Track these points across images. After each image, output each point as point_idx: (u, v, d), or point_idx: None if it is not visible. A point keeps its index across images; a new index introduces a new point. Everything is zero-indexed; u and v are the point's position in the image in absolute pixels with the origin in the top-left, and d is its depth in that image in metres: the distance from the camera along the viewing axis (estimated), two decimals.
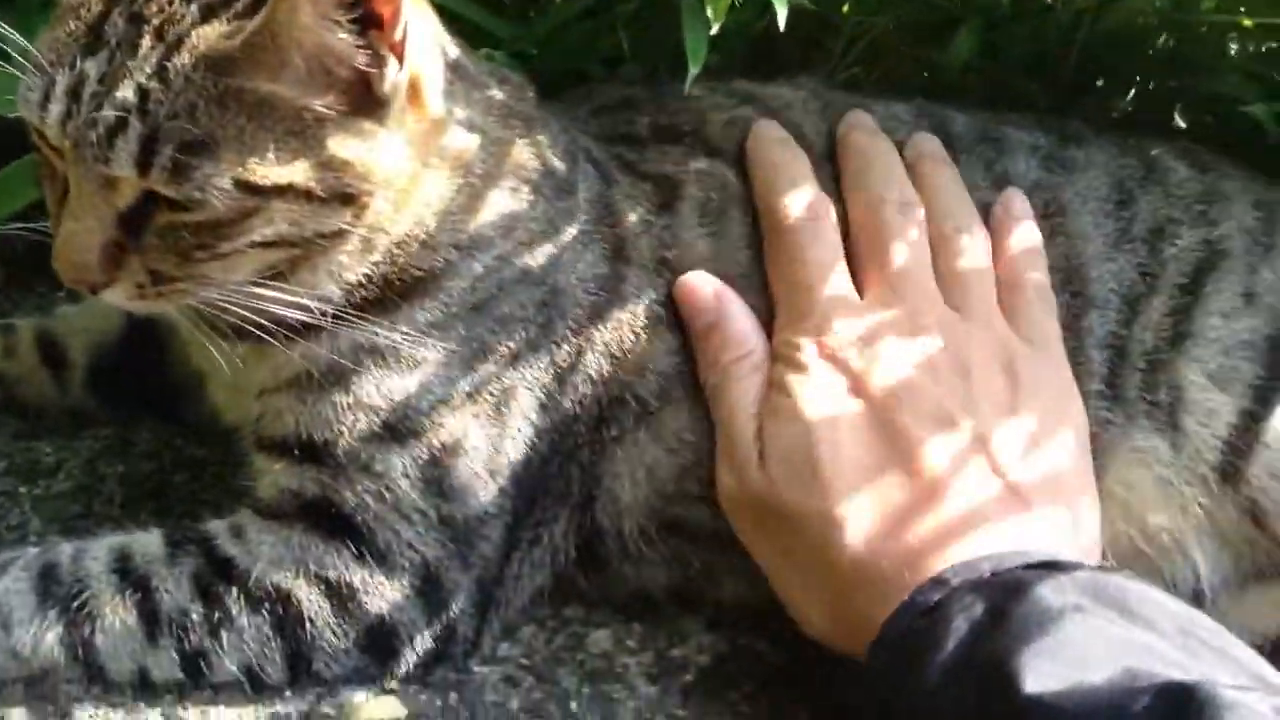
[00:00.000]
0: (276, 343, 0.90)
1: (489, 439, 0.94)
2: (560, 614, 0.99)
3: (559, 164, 0.97)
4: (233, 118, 0.83)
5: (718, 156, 1.02)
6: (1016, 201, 1.01)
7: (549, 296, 0.95)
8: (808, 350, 0.93)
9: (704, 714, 0.93)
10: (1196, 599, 0.97)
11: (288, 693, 0.91)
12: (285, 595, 0.90)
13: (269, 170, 0.84)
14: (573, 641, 0.97)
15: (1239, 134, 1.15)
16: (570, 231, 0.96)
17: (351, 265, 0.91)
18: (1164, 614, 0.78)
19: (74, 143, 0.83)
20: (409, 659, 0.93)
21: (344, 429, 0.92)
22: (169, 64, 0.82)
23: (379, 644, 0.92)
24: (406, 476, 0.92)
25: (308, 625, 0.90)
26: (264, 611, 0.90)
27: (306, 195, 0.85)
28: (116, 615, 0.89)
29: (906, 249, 0.96)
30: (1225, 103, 1.14)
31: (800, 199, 0.97)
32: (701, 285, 0.96)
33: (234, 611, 0.90)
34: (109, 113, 0.82)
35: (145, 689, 0.90)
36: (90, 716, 0.89)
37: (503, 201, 0.95)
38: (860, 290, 0.96)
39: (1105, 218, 1.02)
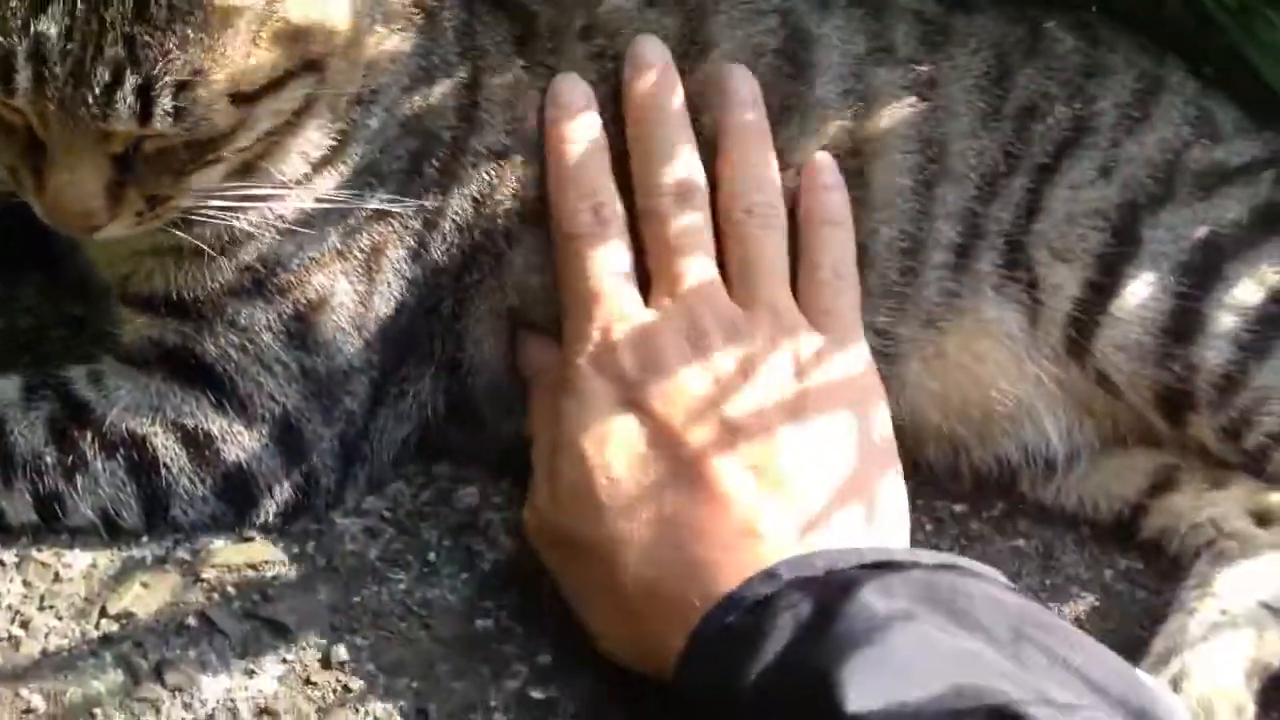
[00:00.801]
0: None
1: (357, 295, 0.93)
2: (429, 470, 0.99)
3: None
4: (215, 37, 0.80)
5: None
6: (825, 171, 0.96)
7: (421, 143, 0.94)
8: (583, 370, 0.89)
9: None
10: (1049, 466, 0.98)
11: (144, 537, 0.92)
12: (141, 440, 0.90)
13: (254, 75, 0.82)
14: (439, 497, 0.98)
15: (1140, 11, 1.14)
16: (434, 62, 0.94)
17: (321, 135, 0.90)
18: (997, 616, 0.75)
19: (59, 105, 0.79)
20: (267, 508, 0.93)
21: (214, 286, 0.91)
22: (149, 3, 0.79)
23: (236, 492, 0.92)
24: (269, 330, 0.92)
25: (163, 471, 0.90)
26: (119, 456, 0.90)
27: (285, 78, 0.84)
28: None
29: (684, 251, 0.91)
30: None
31: (585, 201, 0.92)
32: (529, 344, 0.96)
33: (88, 455, 0.90)
34: (101, 69, 0.78)
35: (1, 531, 0.90)
36: None
37: (394, 44, 0.93)
38: (645, 285, 0.92)
39: (979, 94, 1.00)
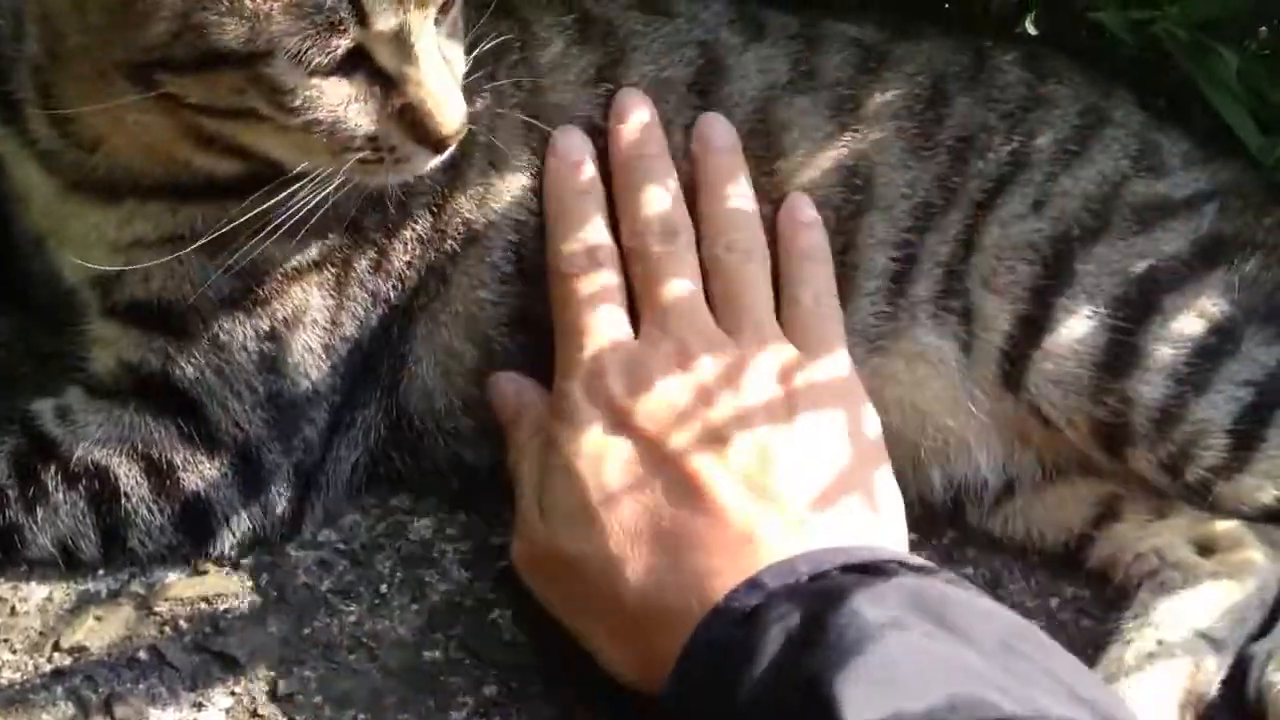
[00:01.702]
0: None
1: (328, 311, 0.95)
2: (386, 503, 1.01)
3: None
4: None
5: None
6: (801, 208, 0.98)
7: None
8: (575, 397, 0.91)
9: (514, 597, 0.94)
10: (980, 496, 0.99)
11: (100, 570, 0.93)
12: (104, 471, 0.92)
13: None
14: (394, 529, 0.99)
15: (1094, 45, 1.15)
16: None
17: None
18: (984, 626, 0.76)
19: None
20: (224, 539, 0.94)
21: (207, 292, 0.92)
22: None
23: (194, 522, 0.93)
24: (245, 350, 0.93)
25: (123, 501, 0.92)
26: (80, 487, 0.92)
27: None
28: None
29: (670, 281, 0.94)
30: (1078, 10, 1.14)
31: (579, 243, 0.95)
32: (506, 383, 0.97)
33: (50, 488, 0.91)
34: None
35: None
36: None
37: None
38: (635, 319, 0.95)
39: (909, 119, 1.01)
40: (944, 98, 1.02)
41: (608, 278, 0.95)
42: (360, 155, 0.86)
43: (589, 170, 0.97)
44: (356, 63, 0.84)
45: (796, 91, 1.00)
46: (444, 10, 0.86)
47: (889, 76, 1.02)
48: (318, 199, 0.86)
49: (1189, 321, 0.96)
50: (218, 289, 0.93)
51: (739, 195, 0.97)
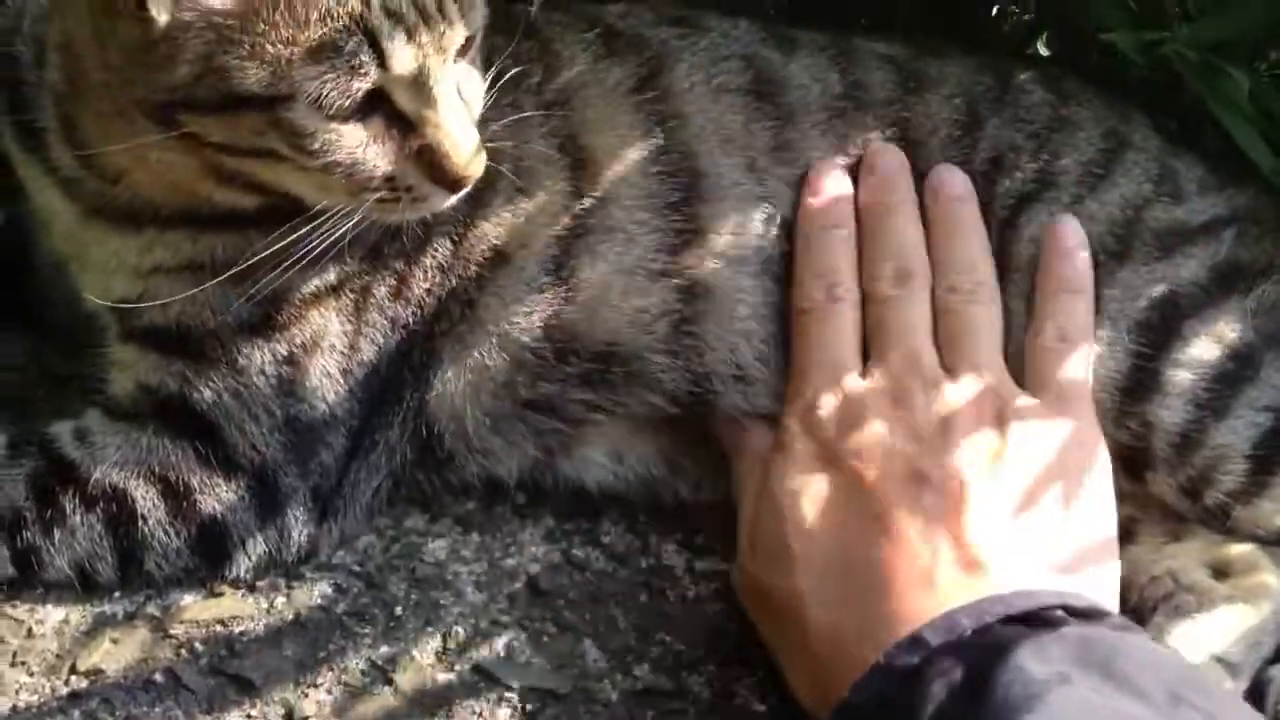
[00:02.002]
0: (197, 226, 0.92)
1: (346, 336, 0.95)
2: (401, 525, 1.01)
3: None
4: None
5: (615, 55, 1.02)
6: (1067, 236, 0.98)
7: None
8: (793, 429, 0.93)
9: (527, 619, 0.95)
10: None
11: (117, 593, 0.93)
12: (121, 494, 0.92)
13: None
14: (408, 551, 0.99)
15: (1106, 66, 1.16)
16: None
17: None
18: (1152, 676, 0.74)
19: (428, 43, 0.83)
20: (240, 562, 0.94)
21: (226, 319, 0.93)
22: None
23: (211, 545, 0.94)
24: (263, 374, 0.94)
25: (140, 524, 0.92)
26: (98, 510, 0.92)
27: None
28: None
29: (897, 324, 0.96)
30: (1090, 32, 1.14)
31: (819, 280, 0.97)
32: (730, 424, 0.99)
33: (68, 510, 0.92)
34: None
35: None
36: None
37: None
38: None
39: (951, 144, 1.02)
40: (977, 120, 1.02)
41: (842, 317, 0.97)
42: (378, 195, 0.87)
43: (840, 210, 0.99)
44: (375, 104, 0.85)
45: (856, 107, 1.02)
46: (463, 52, 0.87)
47: (930, 97, 1.03)
48: (337, 234, 0.87)
49: (1208, 347, 0.96)
50: (236, 315, 0.93)
51: (970, 239, 0.98)
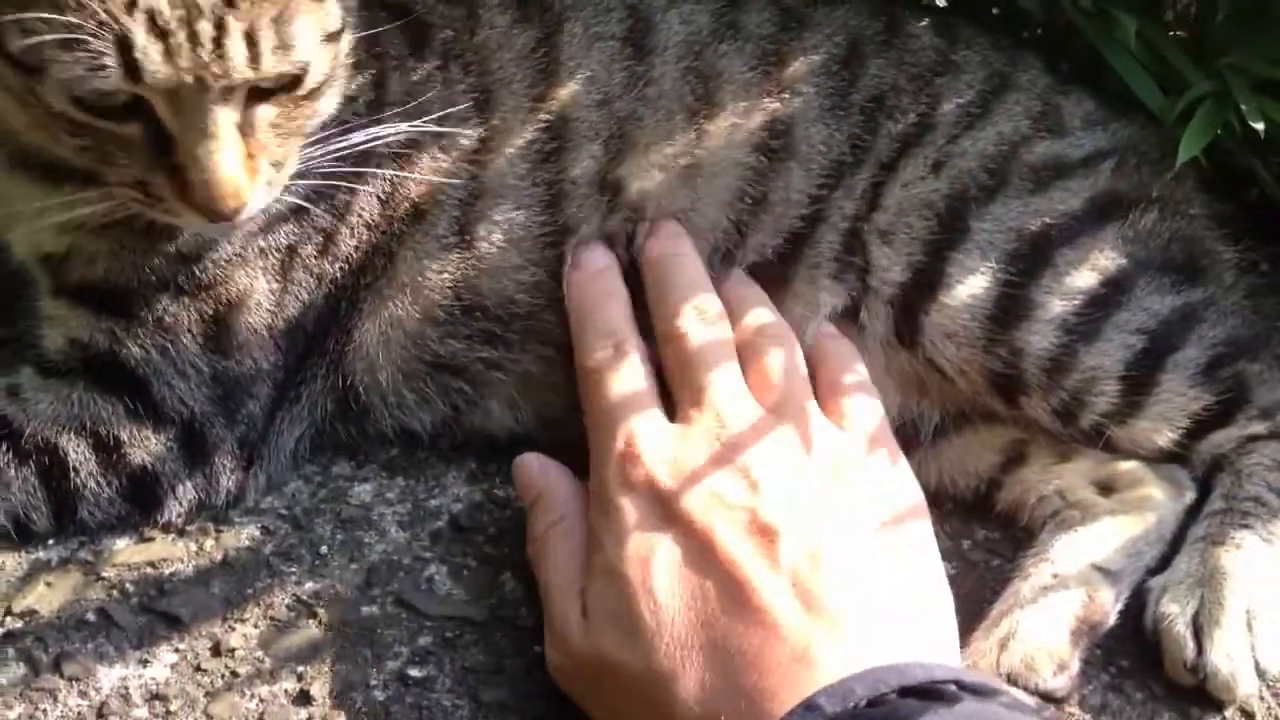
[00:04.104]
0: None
1: (273, 294, 0.99)
2: (328, 471, 1.05)
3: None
4: None
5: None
6: (828, 326, 1.01)
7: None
8: (613, 486, 0.88)
9: (448, 554, 0.99)
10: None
11: (51, 540, 0.97)
12: (53, 448, 0.96)
13: (331, 14, 0.89)
14: (335, 495, 1.03)
15: (1004, 15, 1.20)
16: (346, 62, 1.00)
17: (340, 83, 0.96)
18: None
19: (189, 69, 0.83)
20: (171, 508, 0.98)
21: (151, 277, 0.96)
22: None
23: (142, 493, 0.98)
24: (190, 332, 0.97)
25: (72, 475, 0.96)
26: (31, 463, 0.96)
27: (343, 28, 0.91)
28: None
29: (706, 358, 0.94)
30: None
31: (604, 338, 0.96)
32: (530, 463, 0.97)
33: (2, 464, 0.95)
34: (205, 25, 0.82)
35: None
36: None
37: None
38: (672, 413, 0.93)
39: (826, 78, 1.04)
40: (859, 59, 1.05)
41: (635, 366, 0.94)
42: (132, 194, 0.89)
43: (612, 277, 1.00)
44: (138, 110, 0.85)
45: (720, 41, 1.04)
46: (262, 96, 0.87)
47: (808, 36, 1.06)
48: (105, 207, 0.90)
49: (1081, 275, 0.99)
50: (162, 273, 0.97)
51: (760, 294, 1.00)
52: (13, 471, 0.95)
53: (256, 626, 0.93)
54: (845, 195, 1.02)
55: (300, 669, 0.90)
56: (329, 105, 0.94)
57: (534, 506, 0.95)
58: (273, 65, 0.85)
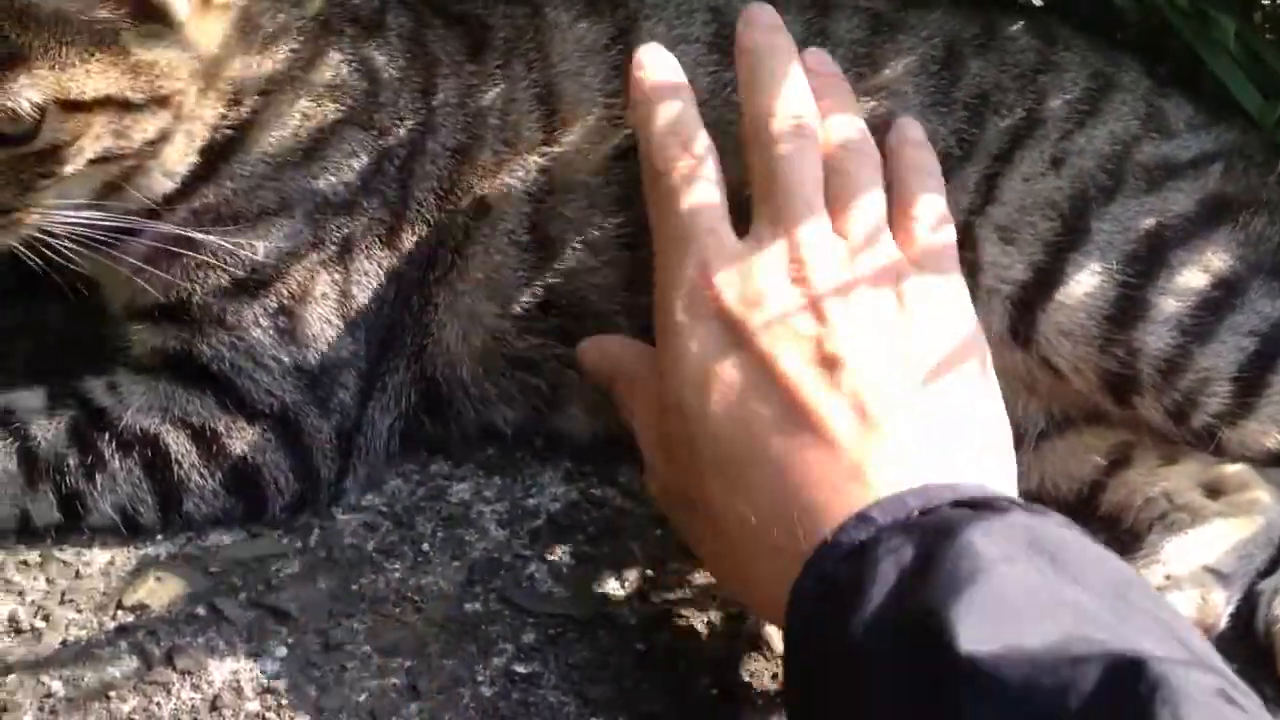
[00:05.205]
0: (116, 248, 0.96)
1: (336, 285, 1.00)
2: (426, 469, 1.05)
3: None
4: (35, 34, 0.88)
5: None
6: (910, 128, 0.98)
7: (376, 137, 1.01)
8: (680, 316, 0.87)
9: (548, 553, 0.99)
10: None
11: (159, 536, 0.98)
12: (154, 438, 0.97)
13: (84, 84, 0.90)
14: (434, 493, 1.04)
15: (1099, 15, 1.19)
16: (384, 65, 1.02)
17: (182, 158, 0.97)
18: (1097, 571, 0.74)
19: None
20: (275, 502, 0.99)
21: (196, 287, 0.98)
22: None
23: (244, 486, 0.99)
24: (258, 325, 0.99)
25: (174, 467, 0.97)
26: (134, 454, 0.97)
27: (125, 105, 0.92)
28: None
29: (791, 176, 0.89)
30: None
31: (676, 140, 0.91)
32: (588, 349, 0.98)
33: (106, 455, 0.97)
34: None
35: (27, 532, 0.97)
36: None
37: (304, 45, 1.00)
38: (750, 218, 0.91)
39: (926, 78, 1.04)
40: (958, 60, 1.05)
41: (708, 176, 0.89)
42: None
43: (677, 71, 0.93)
44: None
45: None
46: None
47: (902, 39, 1.06)
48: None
49: (1194, 276, 0.99)
50: (209, 281, 0.98)
51: (852, 104, 0.96)
52: (117, 463, 0.97)
53: (364, 621, 0.93)
54: (958, 188, 1.02)
55: (408, 664, 0.91)
56: (108, 171, 0.94)
57: (612, 380, 0.95)
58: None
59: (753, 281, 0.86)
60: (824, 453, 0.80)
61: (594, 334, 1.01)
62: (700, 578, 0.97)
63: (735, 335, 0.85)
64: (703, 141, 0.91)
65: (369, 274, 1.01)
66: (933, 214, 0.92)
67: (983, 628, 0.68)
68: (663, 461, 0.89)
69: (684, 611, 0.96)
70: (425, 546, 0.99)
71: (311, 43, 1.01)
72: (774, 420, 0.82)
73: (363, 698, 0.89)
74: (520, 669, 0.91)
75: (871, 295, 0.86)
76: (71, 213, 0.94)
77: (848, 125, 0.94)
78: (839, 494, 0.78)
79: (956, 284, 0.90)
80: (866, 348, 0.84)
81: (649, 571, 0.98)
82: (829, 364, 0.83)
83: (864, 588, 0.73)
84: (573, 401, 1.05)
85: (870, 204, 0.90)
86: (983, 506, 0.75)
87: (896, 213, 0.92)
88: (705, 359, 0.85)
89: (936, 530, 0.74)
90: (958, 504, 0.75)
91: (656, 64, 0.95)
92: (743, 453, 0.82)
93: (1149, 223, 1.00)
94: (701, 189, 0.89)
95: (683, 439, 0.85)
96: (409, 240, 1.01)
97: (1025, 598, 0.70)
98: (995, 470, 0.84)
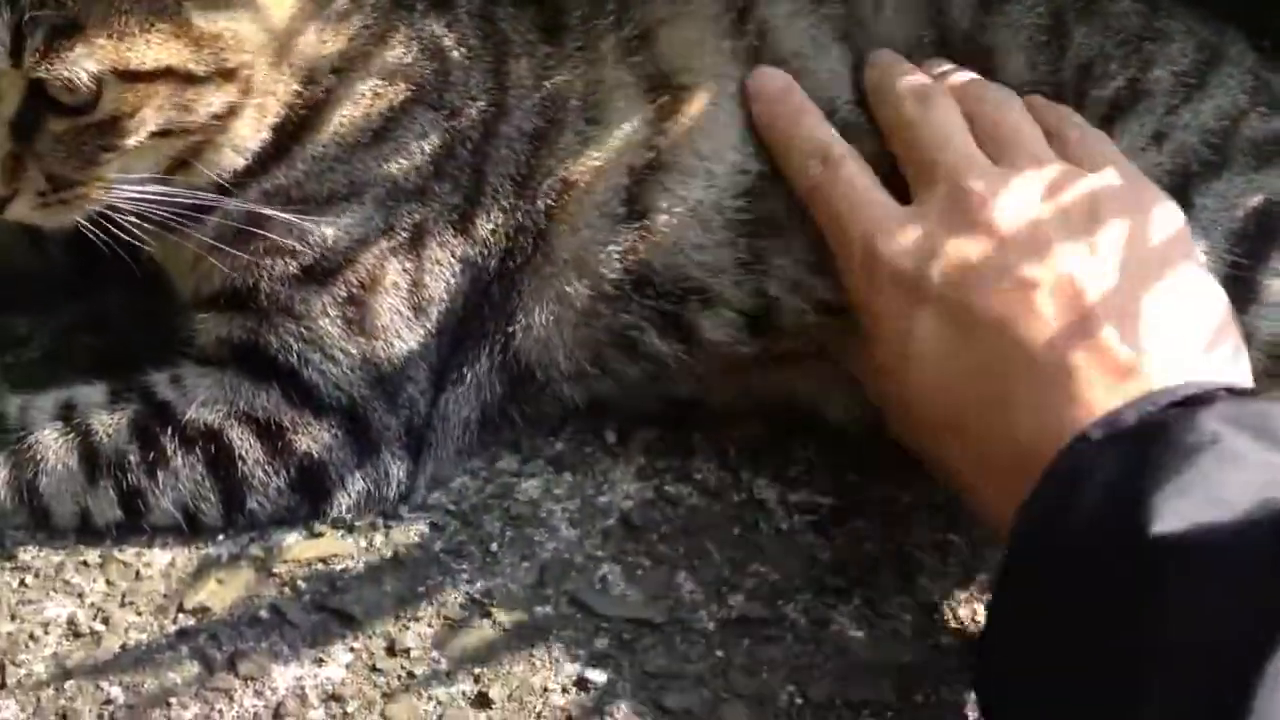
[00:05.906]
0: (186, 226, 0.93)
1: (407, 274, 0.96)
2: (493, 466, 1.02)
3: None
4: (93, 2, 0.84)
5: None
6: (1036, 97, 0.98)
7: (447, 118, 0.97)
8: (862, 291, 0.90)
9: (620, 553, 0.95)
10: None
11: (221, 536, 0.95)
12: (216, 434, 0.94)
13: (143, 54, 0.86)
14: (502, 490, 1.00)
15: None
16: (455, 44, 0.98)
17: (254, 134, 0.94)
18: None
19: None
20: (341, 500, 0.96)
21: (263, 273, 0.95)
22: None
23: (310, 483, 0.95)
24: (326, 315, 0.95)
25: (239, 463, 0.94)
26: (197, 450, 0.94)
27: (188, 77, 0.88)
28: (59, 458, 0.93)
29: (936, 135, 0.91)
30: None
31: (810, 159, 0.94)
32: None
33: (169, 451, 0.94)
34: None
35: (87, 531, 0.94)
36: (33, 558, 0.93)
37: (376, 21, 0.97)
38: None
39: (1037, 52, 1.01)
40: (1064, 27, 1.01)
41: (850, 168, 0.92)
42: None
43: (797, 93, 0.96)
44: None
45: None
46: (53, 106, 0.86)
47: (1012, 12, 1.01)
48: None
49: None
50: (281, 269, 0.95)
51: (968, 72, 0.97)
52: (179, 459, 0.94)
53: (430, 625, 0.90)
54: None
55: (477, 670, 0.87)
56: (173, 146, 0.91)
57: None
58: (37, 69, 0.83)
59: (919, 235, 0.88)
60: (1034, 379, 0.81)
61: (697, 314, 0.98)
62: (780, 580, 0.93)
63: (918, 291, 0.86)
64: (837, 148, 0.93)
65: (442, 263, 0.97)
66: (1075, 118, 0.94)
67: (1179, 510, 0.70)
68: (895, 418, 0.93)
69: (763, 613, 0.92)
70: (494, 547, 0.96)
71: (384, 18, 0.97)
72: (982, 358, 0.84)
73: (430, 706, 0.85)
74: (593, 676, 0.87)
75: (1048, 209, 0.86)
76: (137, 188, 0.91)
77: (967, 75, 0.96)
78: (1058, 419, 0.79)
79: (1133, 176, 0.90)
80: (1056, 261, 0.84)
81: (727, 573, 0.94)
82: (1021, 287, 0.83)
83: (1076, 501, 0.75)
84: (678, 379, 1.00)
85: (1020, 128, 0.92)
86: (1194, 402, 0.77)
87: (1050, 139, 0.93)
88: (898, 325, 0.87)
89: (1149, 436, 0.75)
90: (1173, 405, 0.77)
91: (771, 86, 0.97)
92: (956, 397, 0.85)
93: (1257, 200, 0.96)
94: (848, 185, 0.92)
95: (901, 411, 0.91)
96: (485, 227, 0.97)
97: (1229, 473, 0.72)
98: (1227, 352, 0.84)
